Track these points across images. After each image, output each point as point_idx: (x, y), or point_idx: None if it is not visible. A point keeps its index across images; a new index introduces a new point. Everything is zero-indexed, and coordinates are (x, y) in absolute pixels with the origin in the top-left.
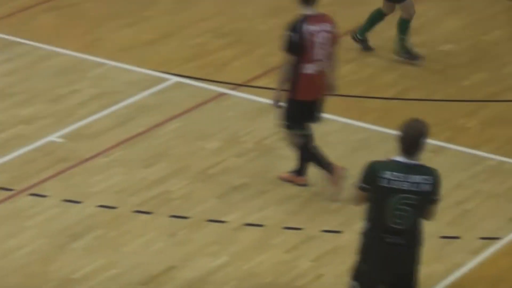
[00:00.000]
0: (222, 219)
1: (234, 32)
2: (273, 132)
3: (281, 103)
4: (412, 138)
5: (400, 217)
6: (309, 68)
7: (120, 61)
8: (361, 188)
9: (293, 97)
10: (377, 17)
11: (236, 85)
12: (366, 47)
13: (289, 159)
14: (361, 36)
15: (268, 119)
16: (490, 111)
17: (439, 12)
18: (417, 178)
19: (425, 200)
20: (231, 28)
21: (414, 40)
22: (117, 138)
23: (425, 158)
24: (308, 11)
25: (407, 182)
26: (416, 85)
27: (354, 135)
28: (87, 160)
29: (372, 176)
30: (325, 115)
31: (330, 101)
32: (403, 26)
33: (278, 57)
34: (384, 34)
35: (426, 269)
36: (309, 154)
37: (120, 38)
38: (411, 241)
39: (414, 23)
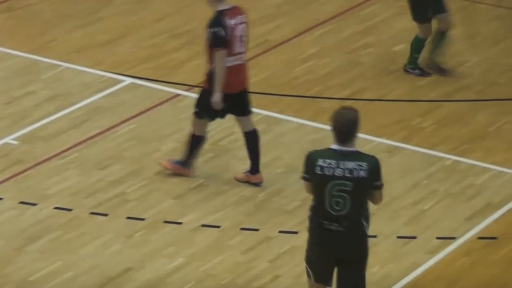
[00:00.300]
0: (179, 220)
1: (188, 33)
2: (229, 133)
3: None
4: (343, 126)
5: (337, 203)
6: (231, 61)
7: (74, 63)
8: (304, 178)
9: (212, 88)
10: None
11: (191, 86)
12: (442, 71)
13: (244, 159)
14: (432, 63)
15: (223, 120)
16: (444, 110)
17: (391, 12)
18: (350, 164)
19: (362, 186)
20: (185, 29)
21: (367, 41)
22: (72, 140)
23: (380, 158)
24: (223, 6)
25: (340, 168)
26: (371, 86)
27: (309, 135)
28: (42, 162)
29: (310, 165)
30: (279, 116)
31: (285, 101)
32: (441, 40)
33: None
34: (340, 35)
35: (383, 269)
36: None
37: (74, 39)
38: (350, 227)
39: (366, 24)
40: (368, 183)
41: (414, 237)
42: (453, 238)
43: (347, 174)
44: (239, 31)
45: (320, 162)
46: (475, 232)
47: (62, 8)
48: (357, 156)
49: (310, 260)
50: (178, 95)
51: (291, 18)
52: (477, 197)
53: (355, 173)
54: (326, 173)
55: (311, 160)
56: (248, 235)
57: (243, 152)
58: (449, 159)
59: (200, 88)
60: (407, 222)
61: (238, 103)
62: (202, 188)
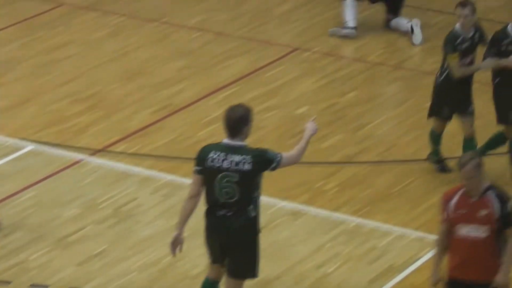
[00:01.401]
0: (83, 287)
1: (92, 97)
2: (132, 198)
3: None
4: (232, 121)
5: (227, 193)
6: None
7: None
8: (196, 171)
9: None
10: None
11: (94, 151)
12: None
13: (148, 224)
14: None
15: (126, 185)
16: (347, 173)
17: (293, 75)
18: (236, 157)
19: (247, 178)
20: (89, 93)
21: (270, 104)
22: None
23: (284, 221)
24: None
25: (227, 160)
26: (273, 148)
27: None
28: None
29: (202, 157)
30: (184, 180)
31: (189, 165)
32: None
33: (136, 121)
34: (243, 97)
35: None
36: None
37: None
38: (238, 213)
39: (269, 87)
40: (254, 174)
41: None
42: None
43: (233, 166)
44: None
45: (211, 154)
46: None
47: None
48: (243, 150)
49: (207, 244)
50: (81, 160)
51: (194, 81)
52: (380, 259)
53: (240, 166)
54: (216, 164)
55: (203, 152)
56: None
57: (147, 217)
58: (352, 221)
59: None
60: (311, 285)
61: None
62: (105, 253)
